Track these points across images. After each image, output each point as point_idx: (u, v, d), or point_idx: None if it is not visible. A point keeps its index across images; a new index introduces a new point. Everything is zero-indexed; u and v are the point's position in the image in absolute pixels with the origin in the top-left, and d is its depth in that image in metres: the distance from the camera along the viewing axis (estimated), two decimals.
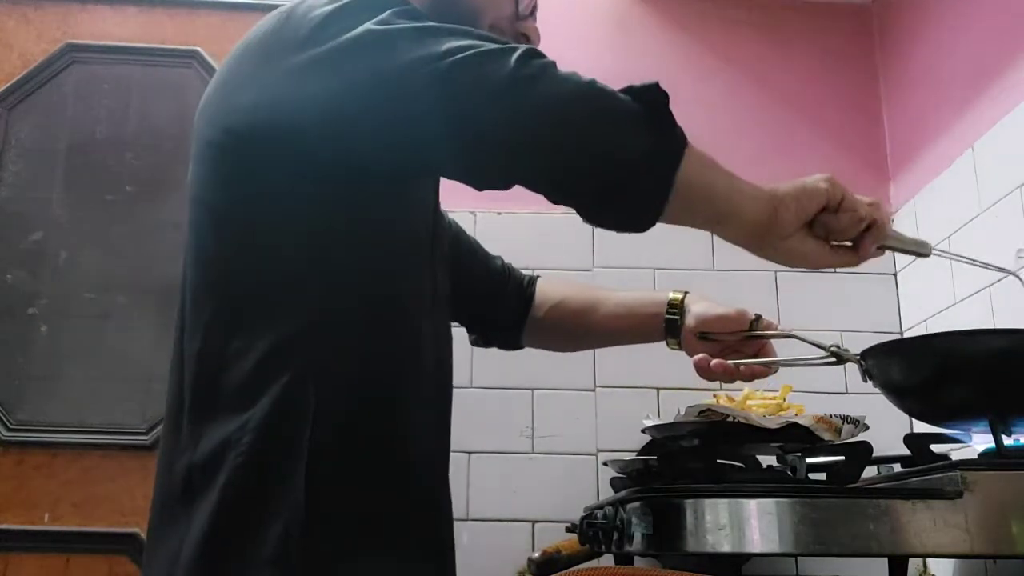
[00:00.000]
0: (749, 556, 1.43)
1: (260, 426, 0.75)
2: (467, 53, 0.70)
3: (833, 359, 1.02)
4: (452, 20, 0.81)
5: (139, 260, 1.86)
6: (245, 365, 0.77)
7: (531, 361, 1.72)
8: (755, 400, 1.20)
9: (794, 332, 1.07)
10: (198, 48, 2.02)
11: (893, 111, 1.94)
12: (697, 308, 1.12)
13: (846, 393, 1.73)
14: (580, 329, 1.20)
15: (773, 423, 1.05)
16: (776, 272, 1.81)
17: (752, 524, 0.87)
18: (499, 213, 1.81)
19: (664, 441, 1.18)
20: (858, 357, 1.01)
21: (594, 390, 1.75)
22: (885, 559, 1.24)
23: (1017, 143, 1.44)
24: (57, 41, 2.01)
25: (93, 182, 1.94)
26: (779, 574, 1.64)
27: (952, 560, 1.52)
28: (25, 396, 1.81)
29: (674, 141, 0.74)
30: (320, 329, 0.79)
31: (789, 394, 1.22)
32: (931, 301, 1.69)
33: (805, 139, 1.95)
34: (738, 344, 1.09)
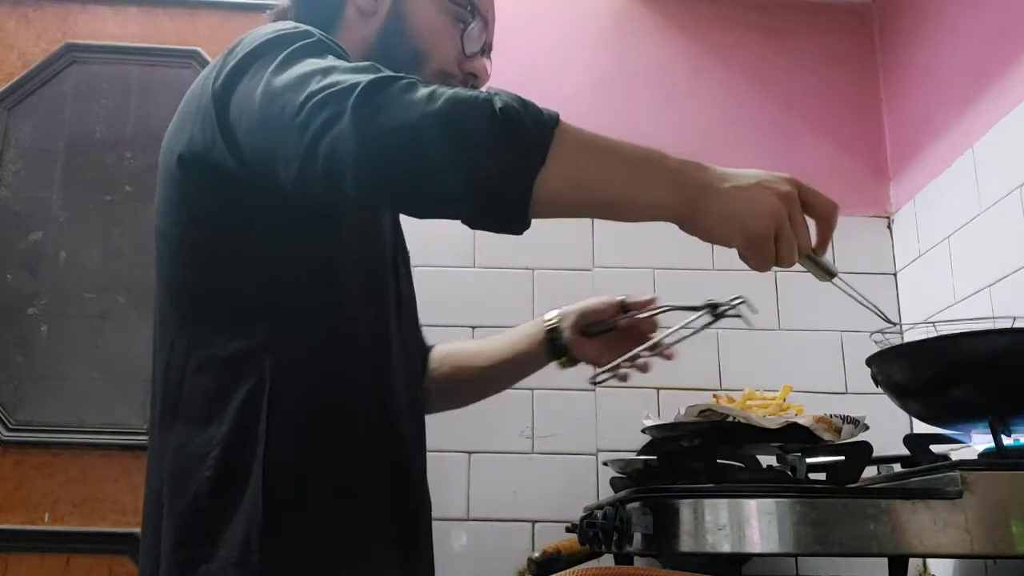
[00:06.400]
0: (749, 556, 1.43)
1: (225, 439, 0.80)
2: (320, 96, 0.71)
3: (709, 315, 1.07)
4: (396, 63, 0.85)
5: (138, 260, 1.86)
6: (206, 380, 0.83)
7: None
8: (755, 400, 1.20)
9: (661, 304, 1.13)
10: (198, 48, 2.02)
11: (893, 111, 1.94)
12: (568, 310, 1.16)
13: (846, 393, 1.73)
14: (468, 376, 1.21)
15: (773, 423, 1.05)
16: (776, 272, 1.81)
17: (752, 524, 0.87)
18: None
19: (664, 441, 1.18)
20: (739, 300, 1.06)
21: (594, 390, 1.75)
22: (885, 559, 1.24)
23: (1017, 143, 1.44)
24: (57, 41, 2.01)
25: (93, 182, 1.94)
26: (779, 574, 1.64)
27: (952, 560, 1.52)
28: (25, 396, 1.81)
29: (523, 165, 0.70)
30: (274, 343, 0.83)
31: (789, 394, 1.22)
32: (931, 301, 1.69)
33: (805, 139, 1.95)
34: (624, 335, 1.13)
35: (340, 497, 0.83)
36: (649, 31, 2.01)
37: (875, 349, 1.11)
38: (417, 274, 1.81)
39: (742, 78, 1.98)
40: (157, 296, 0.91)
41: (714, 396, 1.24)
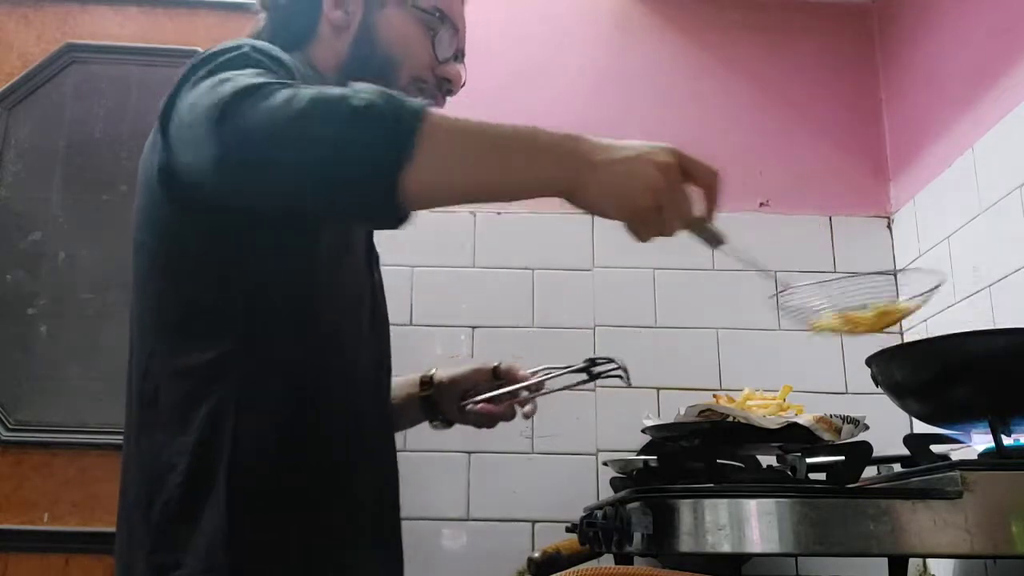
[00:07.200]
0: (749, 556, 1.43)
1: (194, 448, 0.81)
2: (203, 110, 0.74)
3: (584, 374, 1.05)
4: (371, 71, 0.94)
5: None
6: (180, 388, 0.84)
7: (531, 361, 1.72)
8: (755, 400, 1.20)
9: (538, 370, 1.11)
10: (198, 48, 1.99)
11: (893, 111, 1.94)
12: (442, 375, 1.15)
13: (846, 393, 1.73)
14: None
15: (773, 423, 1.05)
16: (776, 272, 1.81)
17: (752, 524, 0.87)
18: (499, 213, 1.81)
19: (664, 441, 1.18)
20: (617, 364, 1.03)
21: (594, 389, 1.75)
22: (885, 559, 1.24)
23: (1017, 143, 1.44)
24: (57, 41, 2.01)
25: (92, 182, 1.94)
26: (779, 574, 1.64)
27: (952, 560, 1.52)
28: (24, 396, 1.81)
29: (386, 160, 0.70)
30: (243, 352, 0.84)
31: (789, 394, 1.22)
32: (931, 301, 1.68)
33: (805, 139, 1.94)
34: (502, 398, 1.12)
35: (305, 505, 0.83)
36: (648, 32, 2.01)
37: (875, 349, 1.11)
38: (417, 274, 1.82)
39: (741, 78, 1.98)
40: (135, 305, 0.93)
41: (714, 396, 1.24)
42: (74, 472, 1.79)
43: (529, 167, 0.75)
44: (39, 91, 1.98)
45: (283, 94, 0.72)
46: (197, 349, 0.84)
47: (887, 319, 1.05)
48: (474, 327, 1.77)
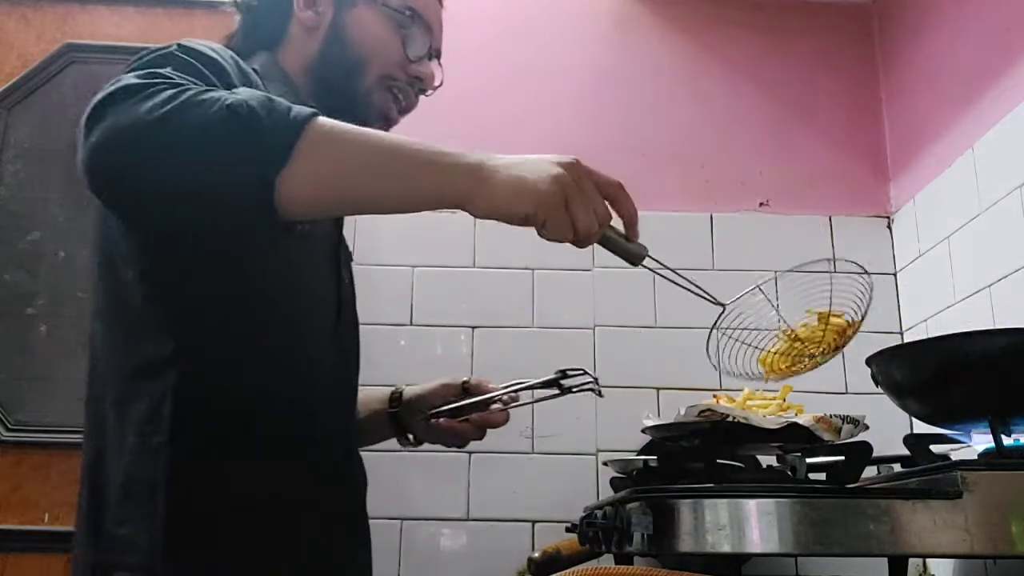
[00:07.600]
0: (749, 556, 1.43)
1: (134, 450, 0.81)
2: (91, 105, 0.76)
3: (555, 387, 1.06)
4: (341, 70, 0.99)
5: None
6: (121, 390, 0.84)
7: (531, 361, 1.72)
8: (755, 400, 1.20)
9: (508, 384, 1.11)
10: None
11: (893, 111, 1.94)
12: (411, 392, 1.15)
13: (846, 393, 1.73)
14: None
15: (773, 423, 1.04)
16: (776, 272, 1.81)
17: (752, 524, 0.87)
18: None
19: (664, 441, 1.18)
20: (590, 379, 1.04)
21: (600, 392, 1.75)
22: (885, 559, 1.24)
23: (1017, 143, 1.44)
24: (56, 41, 2.01)
25: None
26: (779, 574, 1.64)
27: (952, 560, 1.52)
28: (24, 396, 1.81)
29: (257, 165, 0.70)
30: (184, 356, 0.82)
31: (789, 394, 1.22)
32: (931, 301, 1.69)
33: (805, 139, 1.94)
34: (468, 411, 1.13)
35: (254, 508, 0.82)
36: (648, 31, 2.01)
37: (875, 349, 1.11)
38: (417, 274, 1.82)
39: (741, 78, 1.98)
40: (92, 305, 0.90)
41: (714, 396, 1.24)
42: (73, 473, 1.78)
43: (418, 178, 0.74)
44: (39, 91, 1.98)
45: (162, 96, 0.71)
46: (135, 352, 0.83)
47: (832, 332, 1.05)
48: (474, 327, 1.77)
